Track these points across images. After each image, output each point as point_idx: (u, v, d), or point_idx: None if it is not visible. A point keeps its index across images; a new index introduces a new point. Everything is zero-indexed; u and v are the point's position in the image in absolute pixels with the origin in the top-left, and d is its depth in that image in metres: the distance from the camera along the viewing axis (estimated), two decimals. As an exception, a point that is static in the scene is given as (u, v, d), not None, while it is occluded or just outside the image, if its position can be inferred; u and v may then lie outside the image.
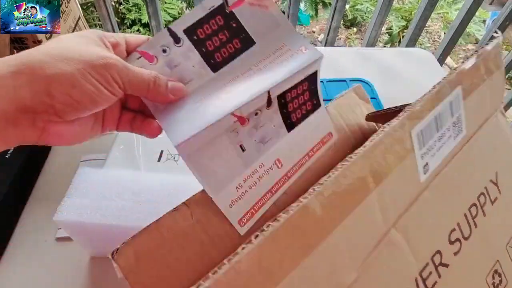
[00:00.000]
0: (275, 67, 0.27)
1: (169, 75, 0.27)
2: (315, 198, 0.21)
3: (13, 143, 0.23)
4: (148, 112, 0.28)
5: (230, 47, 0.28)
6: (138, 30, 2.17)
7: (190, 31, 0.27)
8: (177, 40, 0.27)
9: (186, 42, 0.27)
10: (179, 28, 0.27)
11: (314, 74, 0.29)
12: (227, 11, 0.27)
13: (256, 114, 0.26)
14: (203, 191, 0.26)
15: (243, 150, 0.26)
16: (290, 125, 0.29)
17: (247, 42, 0.28)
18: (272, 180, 0.28)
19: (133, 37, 0.28)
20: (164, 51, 0.27)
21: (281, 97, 0.27)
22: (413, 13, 2.13)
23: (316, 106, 0.30)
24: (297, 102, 0.29)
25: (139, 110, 0.30)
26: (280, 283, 0.19)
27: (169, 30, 0.27)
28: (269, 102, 0.27)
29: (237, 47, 0.28)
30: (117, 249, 0.24)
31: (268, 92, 0.26)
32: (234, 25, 0.28)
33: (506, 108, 0.97)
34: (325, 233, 0.21)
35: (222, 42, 0.28)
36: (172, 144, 0.24)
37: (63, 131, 0.24)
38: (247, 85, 0.26)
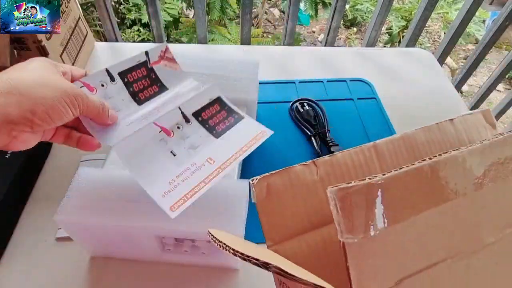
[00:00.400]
0: (182, 98, 0.38)
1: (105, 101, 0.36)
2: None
3: None
4: (81, 129, 0.35)
5: (150, 90, 0.39)
6: (138, 30, 2.17)
7: (122, 75, 0.37)
8: (112, 79, 0.37)
9: (119, 81, 0.37)
10: (115, 71, 0.37)
11: (220, 99, 0.39)
12: (149, 66, 0.39)
13: (179, 128, 0.36)
14: (331, 155, 0.30)
15: (174, 155, 0.35)
16: (217, 134, 0.37)
17: (163, 88, 0.39)
18: (205, 173, 0.34)
19: (76, 70, 0.36)
20: (102, 85, 0.36)
21: (198, 115, 0.38)
22: (413, 13, 2.13)
23: (238, 119, 0.39)
24: (216, 119, 0.38)
25: (72, 126, 0.36)
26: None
27: (107, 71, 0.37)
28: (186, 119, 0.37)
29: (155, 91, 0.39)
30: (257, 178, 0.28)
31: (180, 108, 0.37)
32: (153, 76, 0.39)
33: (506, 108, 0.97)
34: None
35: (145, 86, 0.38)
36: (111, 145, 0.33)
37: (29, 138, 0.31)
38: (164, 110, 0.37)
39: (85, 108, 0.32)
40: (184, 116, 0.37)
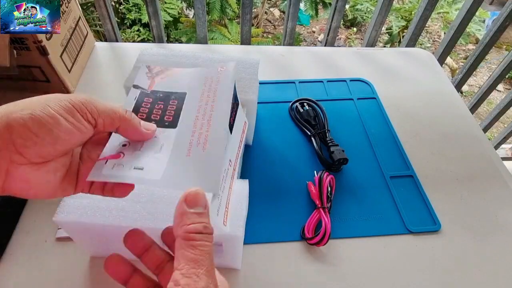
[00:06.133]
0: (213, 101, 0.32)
1: (138, 155, 0.28)
2: None
3: None
4: None
5: (170, 108, 0.32)
6: (138, 30, 2.17)
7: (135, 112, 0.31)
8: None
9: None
10: None
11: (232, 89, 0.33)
12: (148, 92, 0.32)
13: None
14: None
15: None
16: (231, 127, 0.32)
17: (180, 96, 0.32)
18: (230, 179, 0.31)
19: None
20: (124, 145, 0.29)
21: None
22: (413, 13, 2.13)
23: (237, 106, 0.34)
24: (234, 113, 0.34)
25: None
26: None
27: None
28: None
29: (176, 104, 0.32)
30: None
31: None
32: (161, 95, 0.33)
33: (506, 108, 0.97)
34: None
35: (163, 109, 0.31)
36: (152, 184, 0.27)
37: (29, 176, 0.23)
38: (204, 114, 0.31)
39: (94, 112, 0.25)
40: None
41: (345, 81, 0.67)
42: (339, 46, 1.16)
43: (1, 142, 0.21)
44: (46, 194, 0.25)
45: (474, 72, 0.92)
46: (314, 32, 2.76)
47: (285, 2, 2.14)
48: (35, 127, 0.22)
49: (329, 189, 0.48)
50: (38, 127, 0.22)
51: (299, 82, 0.66)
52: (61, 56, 0.56)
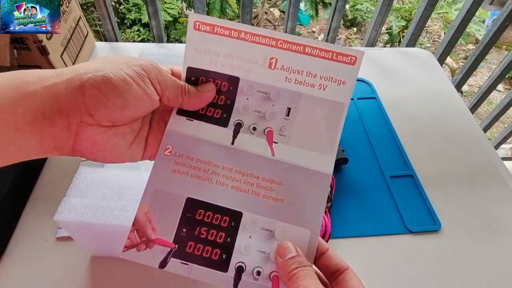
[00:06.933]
0: None
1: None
2: None
3: (50, 147, 0.23)
4: None
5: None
6: (138, 30, 2.17)
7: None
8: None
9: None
10: None
11: None
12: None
13: None
14: None
15: None
16: None
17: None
18: None
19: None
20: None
21: None
22: (413, 13, 2.13)
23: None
24: None
25: None
26: None
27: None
28: None
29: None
30: None
31: None
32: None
33: (506, 108, 0.97)
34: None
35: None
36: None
37: (96, 137, 0.24)
38: None
39: (162, 82, 0.25)
40: None
41: (345, 81, 0.67)
42: (339, 46, 1.16)
43: (73, 103, 0.22)
44: (114, 158, 0.26)
45: (474, 72, 0.92)
46: (314, 32, 2.76)
47: (285, 2, 2.15)
48: (107, 89, 0.23)
49: (329, 189, 0.47)
50: (110, 89, 0.23)
51: (299, 82, 0.66)
52: (61, 56, 0.56)
